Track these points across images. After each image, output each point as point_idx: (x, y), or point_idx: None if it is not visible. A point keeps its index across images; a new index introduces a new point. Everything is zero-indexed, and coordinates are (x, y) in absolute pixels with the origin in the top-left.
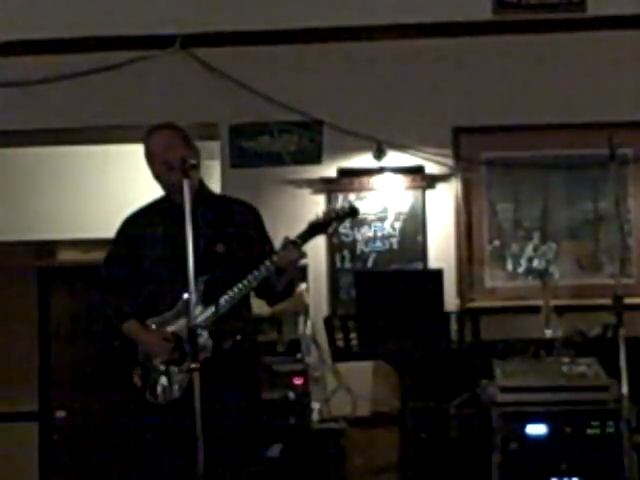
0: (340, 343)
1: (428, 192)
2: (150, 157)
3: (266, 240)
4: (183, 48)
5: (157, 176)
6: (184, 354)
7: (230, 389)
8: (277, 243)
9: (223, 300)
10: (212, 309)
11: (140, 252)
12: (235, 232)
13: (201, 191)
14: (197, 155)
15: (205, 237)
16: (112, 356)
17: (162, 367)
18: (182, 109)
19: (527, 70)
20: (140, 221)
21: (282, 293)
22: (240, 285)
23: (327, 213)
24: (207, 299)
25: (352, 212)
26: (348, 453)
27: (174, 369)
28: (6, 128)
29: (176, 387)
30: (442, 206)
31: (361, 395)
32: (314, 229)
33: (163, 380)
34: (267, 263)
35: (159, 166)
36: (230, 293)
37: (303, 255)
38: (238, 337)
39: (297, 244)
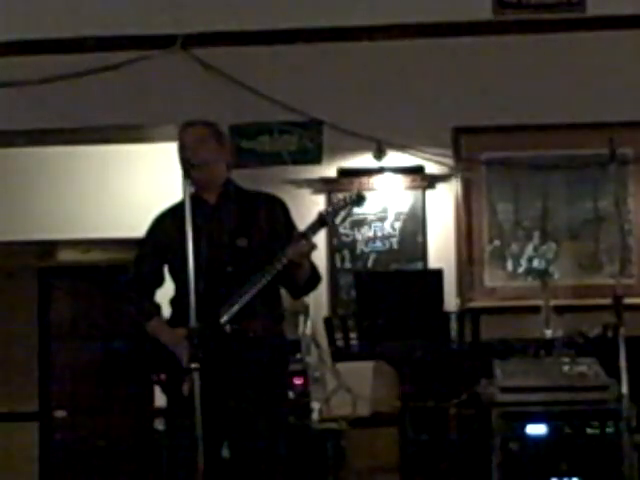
0: (340, 343)
1: (428, 192)
2: (180, 152)
3: (293, 232)
4: (183, 48)
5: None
6: (209, 352)
7: (255, 383)
8: None
9: (243, 294)
10: (234, 303)
11: (168, 250)
12: (259, 227)
13: (226, 186)
14: (229, 153)
15: (228, 232)
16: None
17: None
18: (182, 109)
19: (527, 70)
20: (168, 219)
21: (305, 286)
22: (254, 281)
23: (336, 202)
24: (230, 294)
25: (360, 199)
26: (348, 453)
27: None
28: (6, 128)
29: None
30: (442, 206)
31: (361, 395)
32: (324, 219)
33: (189, 379)
34: (279, 258)
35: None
36: (245, 289)
37: (313, 247)
38: (251, 334)
39: (307, 236)
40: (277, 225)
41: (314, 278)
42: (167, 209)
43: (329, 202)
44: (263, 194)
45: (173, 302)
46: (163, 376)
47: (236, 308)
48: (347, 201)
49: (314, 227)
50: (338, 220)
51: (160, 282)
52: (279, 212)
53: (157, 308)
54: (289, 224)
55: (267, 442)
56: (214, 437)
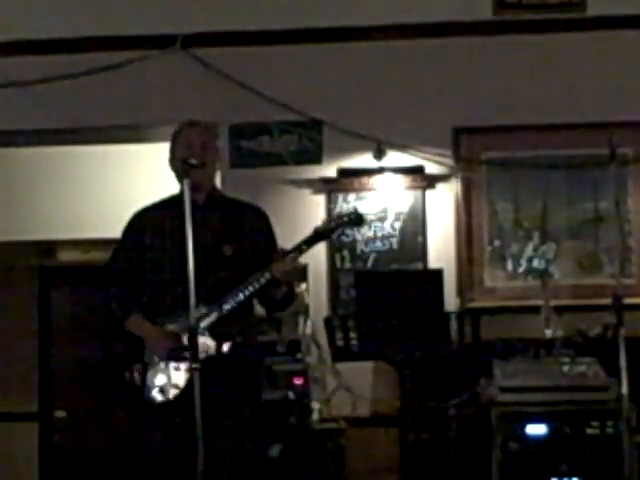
0: (340, 343)
1: (428, 192)
2: (184, 150)
3: (274, 245)
4: (183, 48)
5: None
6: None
7: (229, 391)
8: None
9: (224, 303)
10: (214, 311)
11: (146, 247)
12: (243, 236)
13: (213, 192)
14: (219, 156)
15: (213, 238)
16: (113, 357)
17: (162, 365)
18: (182, 109)
19: (527, 70)
20: (151, 215)
21: (280, 304)
22: (238, 292)
23: (332, 220)
24: (211, 300)
25: (358, 221)
26: (348, 453)
27: (173, 368)
28: (6, 128)
29: (172, 386)
30: (442, 206)
31: (361, 395)
32: (319, 236)
33: (161, 378)
34: (263, 273)
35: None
36: (231, 297)
37: (297, 267)
38: (238, 339)
39: (293, 256)
40: (260, 237)
41: (290, 296)
42: (149, 205)
43: (328, 217)
44: (247, 204)
45: (147, 300)
46: (137, 376)
47: (214, 317)
48: (345, 220)
49: (308, 242)
50: (334, 236)
51: (139, 278)
52: (262, 225)
53: (137, 304)
54: (271, 237)
55: (243, 446)
56: (190, 438)
